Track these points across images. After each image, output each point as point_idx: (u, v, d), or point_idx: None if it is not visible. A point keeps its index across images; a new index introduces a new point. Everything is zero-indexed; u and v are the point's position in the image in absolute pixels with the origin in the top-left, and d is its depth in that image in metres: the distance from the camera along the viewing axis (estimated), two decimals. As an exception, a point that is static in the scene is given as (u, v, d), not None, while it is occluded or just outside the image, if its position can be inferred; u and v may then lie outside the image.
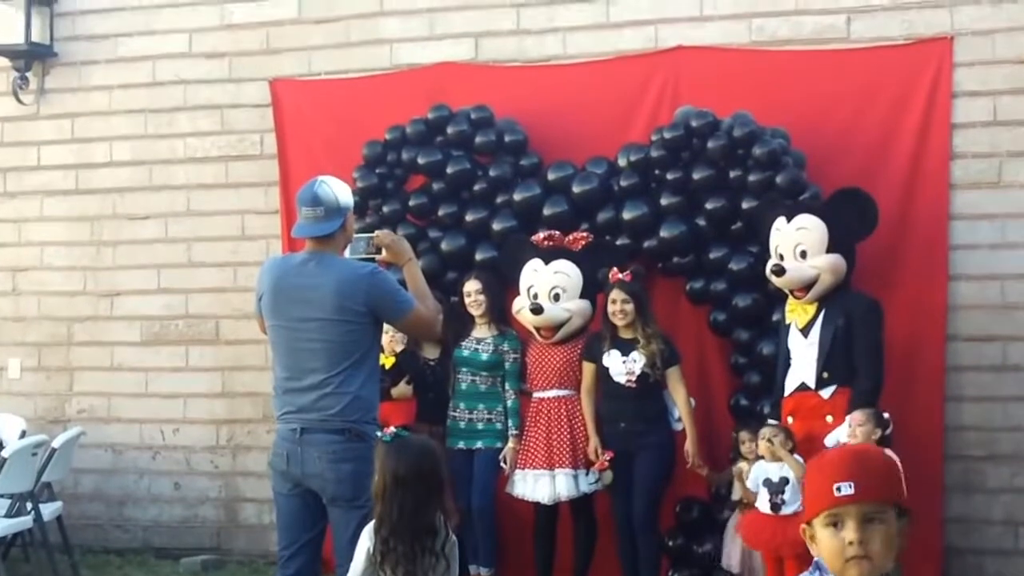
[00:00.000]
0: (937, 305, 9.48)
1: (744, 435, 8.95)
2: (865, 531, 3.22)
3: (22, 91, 11.74)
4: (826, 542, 3.27)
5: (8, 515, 9.44)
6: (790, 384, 8.83)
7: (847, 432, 8.37)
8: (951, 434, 9.52)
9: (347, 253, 6.79)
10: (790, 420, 8.74)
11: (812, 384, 8.69)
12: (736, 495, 8.91)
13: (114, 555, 11.08)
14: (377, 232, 7.18)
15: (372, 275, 6.59)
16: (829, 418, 8.61)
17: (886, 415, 8.40)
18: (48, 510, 9.98)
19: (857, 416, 8.33)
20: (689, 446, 9.00)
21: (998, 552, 9.49)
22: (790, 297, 8.91)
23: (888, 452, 8.17)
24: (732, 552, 8.95)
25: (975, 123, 9.58)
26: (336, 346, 6.49)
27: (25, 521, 9.55)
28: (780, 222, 8.92)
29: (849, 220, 8.80)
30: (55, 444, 9.88)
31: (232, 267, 11.11)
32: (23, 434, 10.45)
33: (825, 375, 8.65)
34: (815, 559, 3.34)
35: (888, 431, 8.37)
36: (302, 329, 6.55)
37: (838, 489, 3.24)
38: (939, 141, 9.57)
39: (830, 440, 8.50)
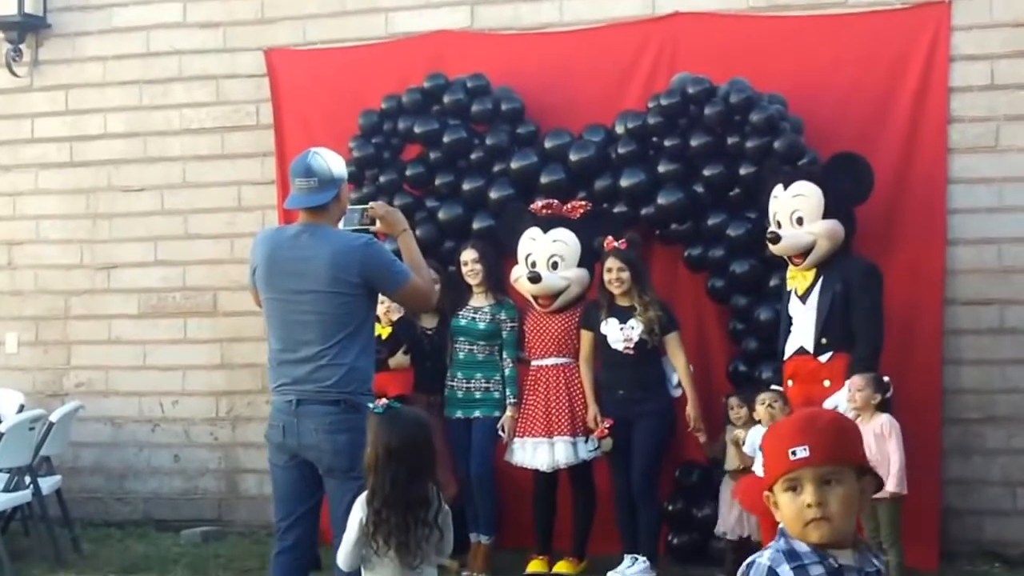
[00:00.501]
0: (935, 269, 9.55)
1: (733, 401, 9.04)
2: (823, 493, 3.25)
3: (15, 63, 11.76)
4: (786, 506, 3.31)
5: (6, 489, 9.50)
6: (789, 349, 8.89)
7: (847, 396, 8.45)
8: (949, 397, 9.60)
9: (341, 225, 6.78)
10: (790, 384, 8.81)
11: (810, 349, 8.75)
12: (731, 463, 8.97)
13: (115, 528, 11.16)
14: (371, 203, 7.19)
15: (366, 247, 6.59)
16: (827, 382, 8.66)
17: (886, 379, 8.47)
18: (47, 484, 10.06)
19: (856, 381, 8.39)
20: (690, 410, 9.08)
21: (996, 513, 9.59)
22: (790, 264, 8.97)
23: (889, 415, 8.32)
24: (726, 517, 9.03)
25: (972, 87, 9.62)
26: (331, 318, 6.49)
27: (24, 495, 9.61)
28: (778, 189, 8.97)
29: (845, 185, 8.84)
30: (53, 418, 9.96)
31: (229, 238, 11.15)
32: (21, 408, 10.53)
33: (823, 340, 8.70)
34: (780, 526, 3.37)
35: (888, 395, 8.44)
36: (296, 301, 6.55)
37: (793, 453, 3.27)
38: (937, 105, 9.61)
39: (828, 404, 8.56)
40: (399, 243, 6.93)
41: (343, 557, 5.47)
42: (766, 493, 3.39)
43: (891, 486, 8.31)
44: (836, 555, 3.28)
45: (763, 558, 3.31)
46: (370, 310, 6.75)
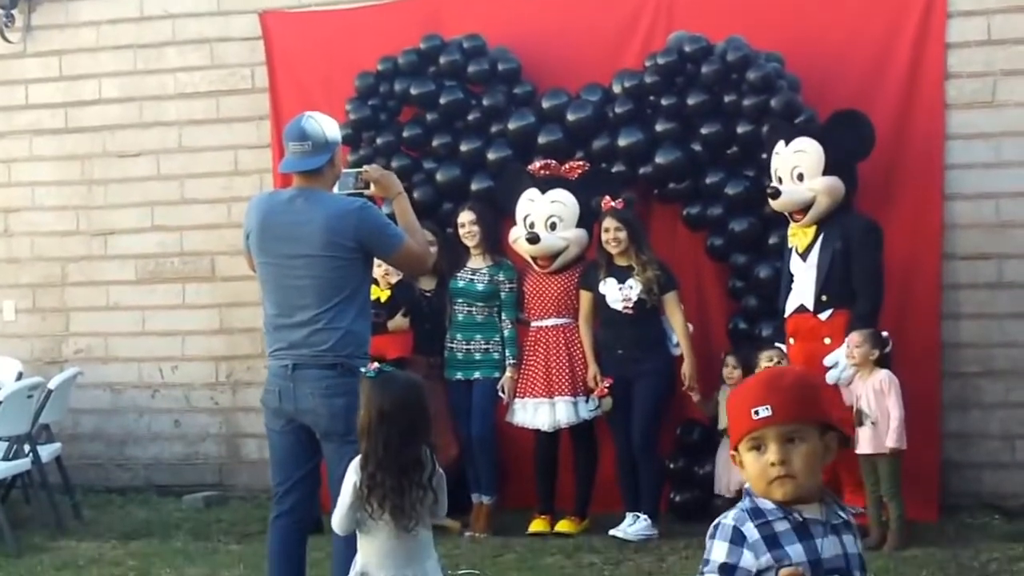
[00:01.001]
0: (933, 224, 9.59)
1: (730, 360, 9.14)
2: (786, 451, 3.30)
3: (8, 29, 11.75)
4: (751, 465, 3.36)
5: (6, 458, 9.53)
6: (790, 307, 8.96)
7: (846, 353, 8.51)
8: (948, 351, 9.67)
9: (336, 189, 6.78)
10: (791, 342, 8.88)
11: (811, 306, 8.83)
12: (724, 422, 9.01)
13: (116, 494, 11.24)
14: (366, 167, 7.22)
15: (361, 210, 6.60)
16: (827, 340, 8.75)
17: (885, 334, 8.54)
18: (47, 451, 10.12)
19: (855, 337, 8.46)
20: (686, 369, 9.14)
21: (996, 465, 9.68)
22: (790, 220, 9.02)
23: (888, 371, 8.38)
24: (724, 477, 9.10)
25: (969, 43, 9.65)
26: (326, 282, 6.51)
27: (24, 463, 9.66)
28: (779, 146, 9.02)
29: (846, 142, 8.89)
30: (51, 385, 10.00)
31: (226, 203, 11.17)
32: (19, 376, 10.57)
33: (824, 298, 8.77)
34: (745, 487, 3.43)
35: (887, 350, 8.51)
36: (291, 266, 6.56)
37: (755, 412, 3.31)
38: (934, 61, 9.64)
39: (828, 361, 8.65)
40: (394, 206, 6.95)
41: (338, 521, 5.50)
42: (732, 452, 3.45)
43: (891, 441, 8.39)
44: (802, 509, 3.33)
45: (728, 519, 3.36)
46: (366, 273, 6.76)
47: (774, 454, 3.30)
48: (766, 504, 3.33)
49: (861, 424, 8.45)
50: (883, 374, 8.47)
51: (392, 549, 5.40)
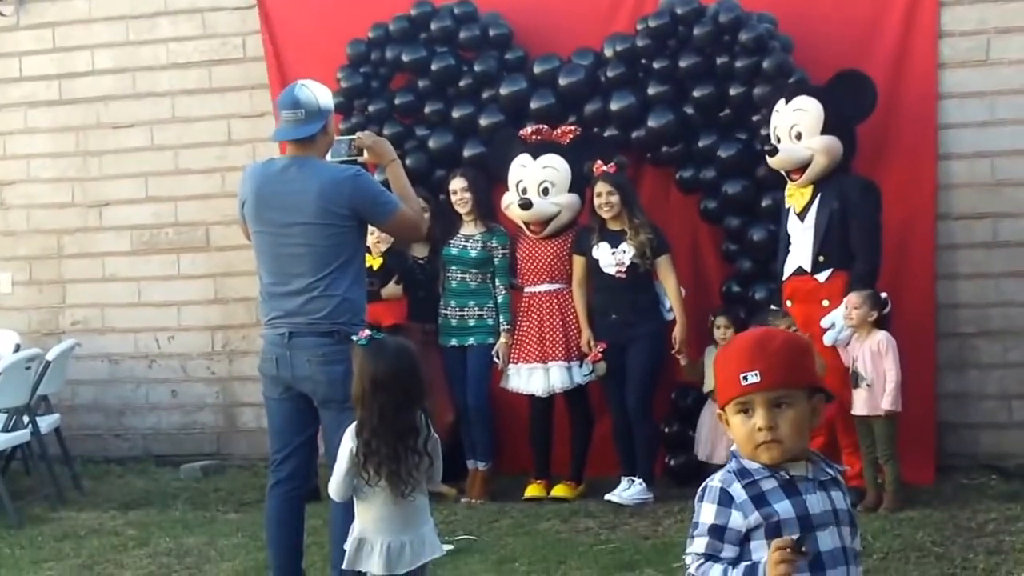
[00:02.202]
0: (927, 184, 9.54)
1: (721, 321, 9.08)
2: (774, 416, 3.30)
3: (2, 2, 11.69)
4: (738, 428, 3.36)
5: (5, 429, 9.53)
6: (788, 269, 8.93)
7: (843, 314, 8.48)
8: (945, 311, 9.63)
9: (329, 156, 6.78)
10: (788, 304, 8.84)
11: (808, 268, 8.79)
12: (710, 384, 8.98)
13: (115, 464, 11.26)
14: (359, 134, 7.21)
15: (355, 177, 6.59)
16: (826, 302, 8.72)
17: (883, 295, 8.51)
18: (46, 423, 10.12)
19: (853, 299, 8.43)
20: (677, 332, 9.09)
21: (993, 426, 9.65)
22: (788, 180, 8.97)
23: (886, 332, 8.36)
24: (707, 440, 9.06)
25: (962, 0, 9.58)
26: (321, 250, 6.52)
27: (23, 435, 9.66)
28: (780, 104, 8.99)
29: (846, 102, 8.85)
30: (49, 357, 9.99)
31: (220, 172, 11.14)
32: (17, 348, 10.57)
33: (821, 258, 8.73)
34: (732, 449, 3.43)
35: (886, 311, 8.48)
36: (286, 234, 6.56)
37: (744, 378, 3.31)
38: (927, 19, 9.57)
39: (826, 322, 8.62)
40: (387, 173, 6.96)
41: (335, 487, 5.51)
42: (718, 411, 3.45)
43: (886, 404, 8.37)
44: (788, 467, 3.34)
45: (715, 481, 3.37)
46: (360, 241, 6.76)
47: (762, 419, 3.30)
48: (752, 464, 3.35)
49: (857, 386, 8.43)
50: (881, 335, 8.44)
51: (389, 515, 5.41)
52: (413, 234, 7.26)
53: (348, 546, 5.49)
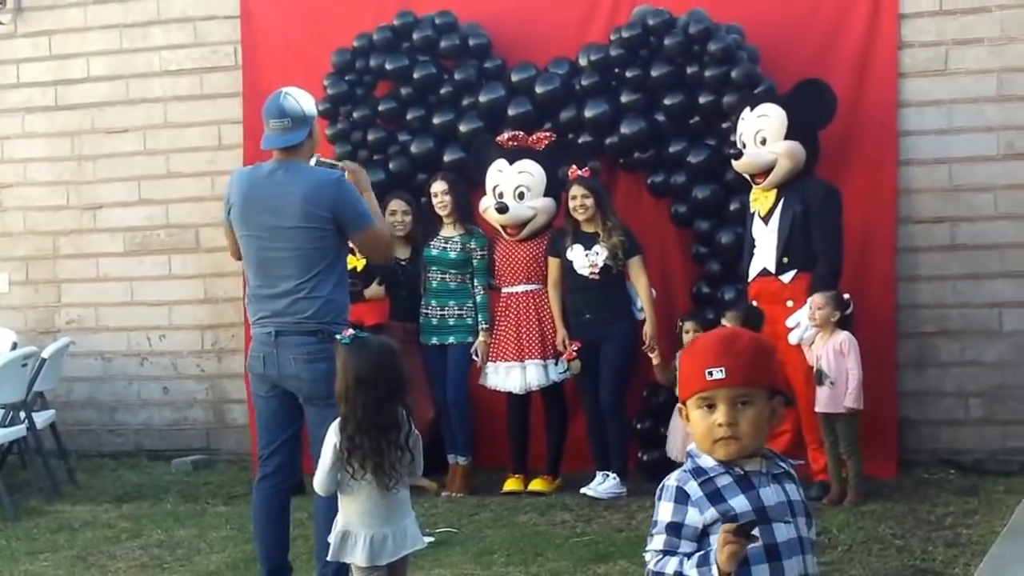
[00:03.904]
0: (888, 189, 9.59)
1: (689, 325, 9.06)
2: (735, 414, 3.30)
3: (0, 11, 11.71)
4: (698, 423, 3.35)
5: (2, 425, 9.54)
6: (753, 270, 8.98)
7: (807, 315, 8.54)
8: (905, 312, 9.68)
9: (312, 161, 6.82)
10: (754, 304, 8.88)
11: (773, 269, 8.85)
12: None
13: (108, 459, 11.28)
14: (345, 161, 7.29)
15: (339, 182, 6.63)
16: (790, 302, 8.78)
17: (846, 296, 8.56)
18: (41, 418, 10.14)
19: (817, 299, 8.48)
20: (648, 328, 9.12)
21: (951, 423, 9.69)
22: (753, 186, 9.03)
23: (848, 333, 8.41)
24: (677, 441, 9.08)
25: (922, 13, 9.63)
26: (306, 253, 6.55)
27: (19, 430, 9.67)
28: (745, 112, 9.05)
29: (809, 109, 8.91)
30: (45, 354, 10.00)
31: (210, 176, 11.13)
32: (14, 346, 10.57)
33: (785, 260, 8.79)
34: (688, 449, 3.44)
35: (848, 311, 8.53)
36: (273, 237, 6.59)
37: (710, 373, 3.30)
38: (888, 31, 9.63)
39: (791, 322, 8.67)
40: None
41: (319, 482, 5.55)
42: (679, 406, 3.46)
43: (848, 401, 8.44)
44: (743, 463, 3.34)
45: (671, 480, 3.36)
46: (343, 244, 6.79)
47: (723, 415, 3.29)
48: (707, 462, 3.34)
49: (821, 384, 8.49)
50: (843, 335, 8.50)
51: (373, 507, 5.48)
52: (381, 252, 7.13)
53: (332, 539, 5.55)
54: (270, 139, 6.77)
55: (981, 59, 9.58)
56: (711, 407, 3.33)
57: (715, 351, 3.36)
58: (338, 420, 5.50)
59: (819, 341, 8.59)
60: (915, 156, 9.66)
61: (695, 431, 3.38)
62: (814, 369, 8.56)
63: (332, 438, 5.48)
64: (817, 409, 8.55)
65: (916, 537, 7.61)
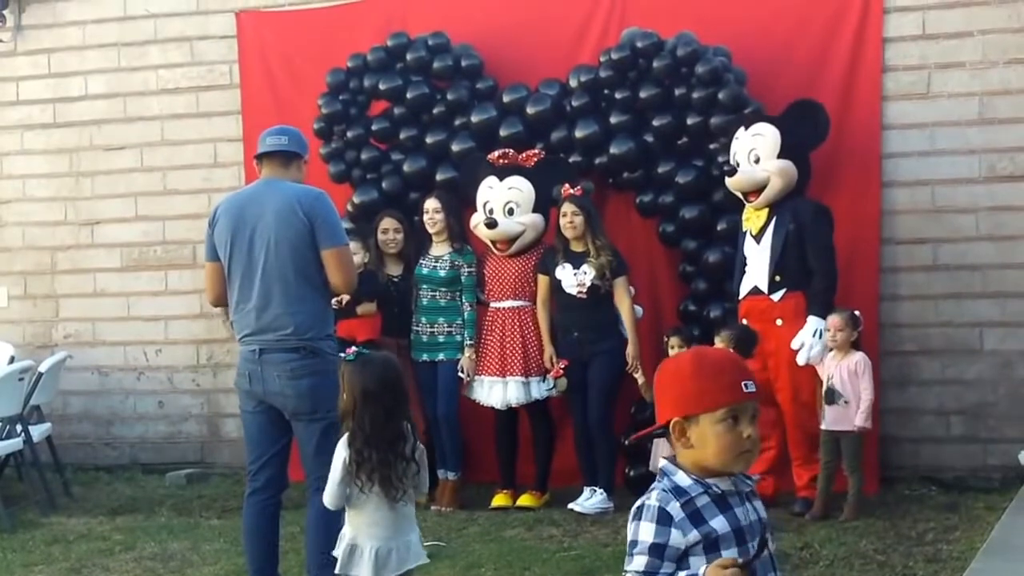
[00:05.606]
0: (872, 210, 9.61)
1: (674, 341, 9.02)
2: (755, 426, 3.29)
3: (0, 29, 11.72)
4: (722, 436, 3.27)
5: (-1, 438, 9.56)
6: (744, 289, 8.98)
7: (823, 335, 8.51)
8: (888, 331, 9.69)
9: None
10: (744, 323, 8.88)
11: (764, 288, 8.85)
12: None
13: (103, 472, 11.26)
14: None
15: (321, 195, 6.70)
16: (779, 321, 8.78)
17: (857, 313, 8.58)
18: (38, 431, 10.13)
19: (835, 320, 8.48)
20: (630, 349, 9.11)
21: (932, 440, 9.70)
22: (746, 205, 9.03)
23: (863, 353, 8.51)
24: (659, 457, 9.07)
25: (905, 37, 9.66)
26: (288, 270, 6.57)
27: (16, 443, 9.65)
28: (740, 131, 9.06)
29: (802, 129, 8.93)
30: (41, 368, 10.00)
31: (206, 193, 11.12)
32: (12, 360, 10.56)
33: (777, 278, 8.79)
34: (661, 466, 3.36)
35: (860, 329, 8.56)
36: (255, 256, 6.62)
37: (746, 385, 3.27)
38: (872, 55, 9.65)
39: (795, 344, 8.64)
40: None
41: (329, 496, 5.56)
42: (674, 420, 3.32)
43: (859, 421, 8.45)
44: (717, 482, 3.30)
45: (651, 500, 3.28)
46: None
47: (752, 428, 3.26)
48: (684, 480, 3.29)
49: (833, 403, 8.47)
50: (859, 356, 8.53)
51: (380, 520, 5.50)
52: (345, 277, 6.79)
53: (340, 552, 5.55)
54: (263, 143, 6.87)
55: (963, 82, 9.61)
56: (735, 419, 3.28)
57: (738, 365, 3.35)
58: (346, 435, 5.52)
59: (831, 360, 8.57)
60: (898, 178, 9.67)
61: (717, 444, 3.28)
62: (824, 388, 8.55)
63: (342, 452, 5.50)
64: (825, 427, 8.57)
65: (897, 553, 7.60)
